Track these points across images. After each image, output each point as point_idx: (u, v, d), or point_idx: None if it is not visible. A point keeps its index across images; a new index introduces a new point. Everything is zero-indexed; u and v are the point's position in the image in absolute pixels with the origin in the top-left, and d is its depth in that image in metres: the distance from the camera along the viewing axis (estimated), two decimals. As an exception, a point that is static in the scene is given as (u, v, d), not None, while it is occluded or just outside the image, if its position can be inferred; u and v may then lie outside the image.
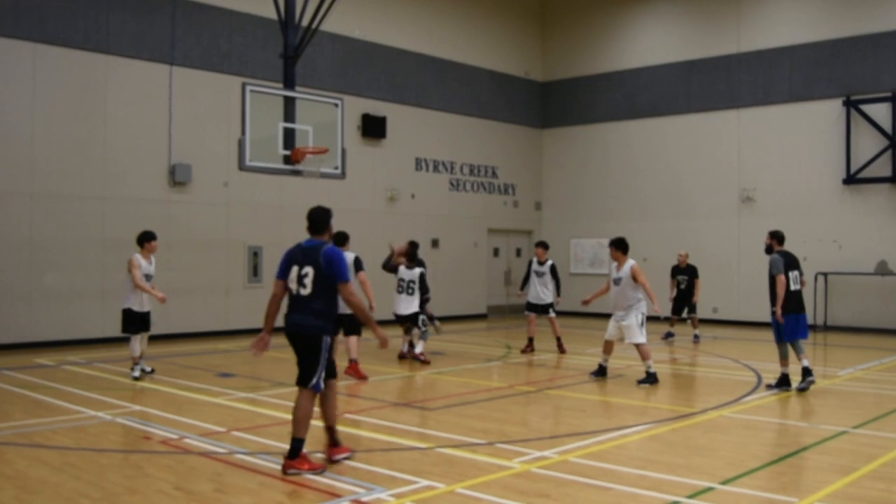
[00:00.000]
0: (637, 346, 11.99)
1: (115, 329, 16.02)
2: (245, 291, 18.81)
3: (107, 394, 10.80)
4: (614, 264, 12.27)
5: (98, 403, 10.10)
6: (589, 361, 14.44)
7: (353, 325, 12.28)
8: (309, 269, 7.20)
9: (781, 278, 11.07)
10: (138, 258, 12.01)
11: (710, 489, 6.51)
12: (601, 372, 12.42)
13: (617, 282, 12.16)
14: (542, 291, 15.42)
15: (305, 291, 7.19)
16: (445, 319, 22.15)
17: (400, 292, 14.08)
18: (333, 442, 7.38)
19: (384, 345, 7.40)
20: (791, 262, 11.36)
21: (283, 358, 14.72)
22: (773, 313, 11.19)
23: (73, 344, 15.98)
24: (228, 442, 8.08)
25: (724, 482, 6.70)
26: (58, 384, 11.59)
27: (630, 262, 12.08)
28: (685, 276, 17.73)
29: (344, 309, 12.48)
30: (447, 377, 12.61)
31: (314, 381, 7.15)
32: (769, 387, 11.44)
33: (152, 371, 12.49)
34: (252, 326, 18.66)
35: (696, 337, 17.67)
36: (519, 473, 6.97)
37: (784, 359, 11.32)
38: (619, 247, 12.24)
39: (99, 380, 12.12)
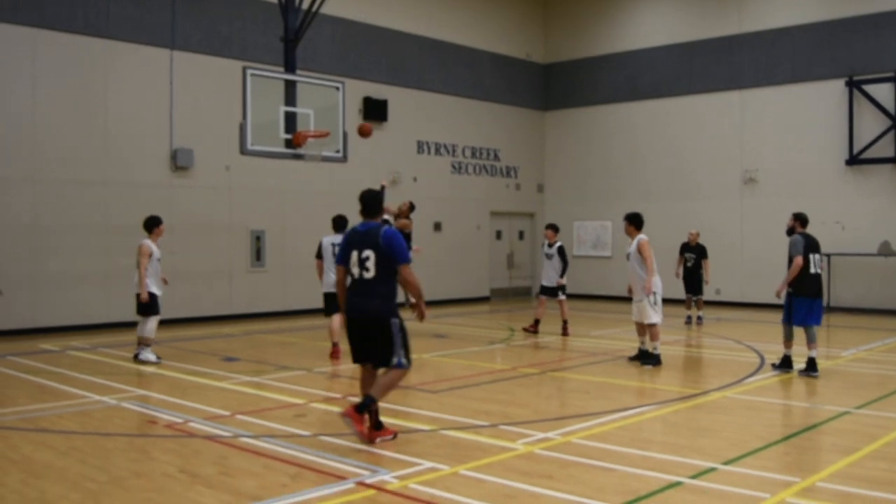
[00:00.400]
0: (648, 325, 11.97)
1: (119, 314, 16.18)
2: (248, 276, 18.84)
3: (111, 378, 10.83)
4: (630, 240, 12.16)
5: (103, 388, 10.14)
6: (593, 344, 14.47)
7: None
8: (370, 253, 7.26)
9: (799, 259, 10.91)
10: (150, 245, 12.06)
11: (713, 469, 6.54)
12: (640, 355, 12.22)
13: (628, 257, 12.11)
14: (552, 274, 15.45)
15: (369, 275, 7.27)
16: (448, 303, 22.22)
17: None
18: (377, 423, 7.44)
19: (422, 319, 7.56)
20: (812, 245, 11.15)
21: (287, 342, 14.78)
22: (789, 294, 11.05)
23: (77, 329, 16.02)
24: (233, 425, 8.11)
25: (727, 462, 6.72)
26: (62, 369, 11.63)
27: (639, 237, 11.97)
28: (693, 255, 17.59)
29: (329, 288, 12.89)
30: (451, 360, 12.64)
31: (396, 359, 7.29)
32: (774, 366, 11.41)
33: (138, 355, 12.36)
34: (255, 311, 18.76)
35: (699, 318, 17.62)
36: (522, 455, 7.00)
37: (788, 340, 11.22)
38: (632, 221, 12.13)
39: (103, 364, 12.16)
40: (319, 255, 13.09)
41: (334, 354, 12.68)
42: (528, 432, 7.76)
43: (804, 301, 10.99)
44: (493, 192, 24.77)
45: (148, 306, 12.07)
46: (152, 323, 12.16)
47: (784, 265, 11.48)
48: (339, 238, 13.09)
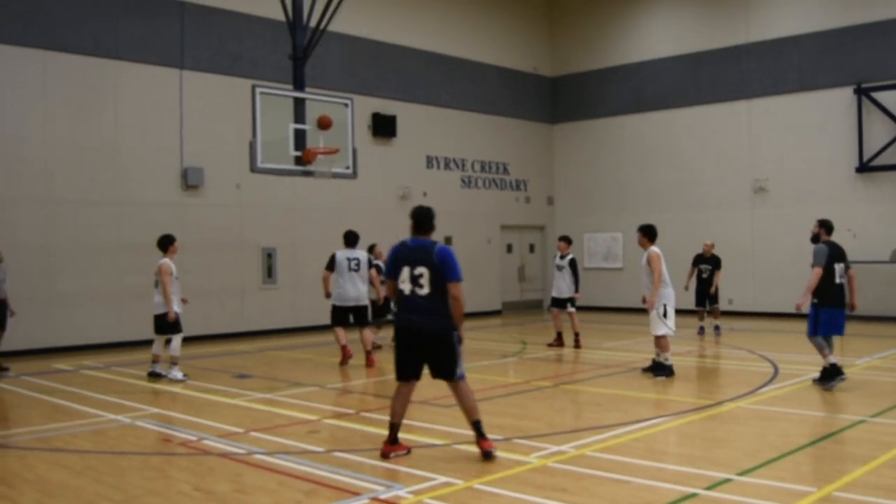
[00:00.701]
0: (657, 337, 11.92)
1: (131, 333, 16.25)
2: (260, 293, 18.89)
3: (125, 397, 10.87)
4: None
5: (116, 407, 10.17)
6: (605, 356, 14.44)
7: (364, 316, 13.74)
8: (423, 270, 7.29)
9: (818, 270, 10.57)
10: (169, 264, 12.14)
11: (728, 480, 6.51)
12: (654, 367, 12.09)
13: (641, 268, 12.08)
14: (563, 286, 15.43)
15: (423, 291, 7.30)
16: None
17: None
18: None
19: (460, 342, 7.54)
20: (837, 254, 10.81)
21: (299, 358, 14.80)
22: (813, 305, 10.65)
23: (90, 348, 16.08)
24: (247, 442, 8.12)
25: (742, 473, 6.69)
26: (76, 388, 11.67)
27: (650, 249, 11.95)
28: (708, 266, 17.42)
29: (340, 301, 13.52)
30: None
31: (459, 371, 7.41)
32: (815, 381, 10.81)
33: (166, 375, 12.43)
34: (267, 327, 18.79)
35: (716, 328, 17.54)
36: (536, 468, 6.98)
37: (822, 349, 10.68)
38: (645, 233, 12.12)
39: (117, 383, 12.20)
40: (330, 268, 13.55)
41: (345, 355, 13.61)
42: (542, 445, 7.75)
43: (827, 311, 10.64)
44: (502, 205, 24.80)
45: (173, 325, 12.16)
46: (177, 341, 12.26)
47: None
48: (353, 252, 13.51)
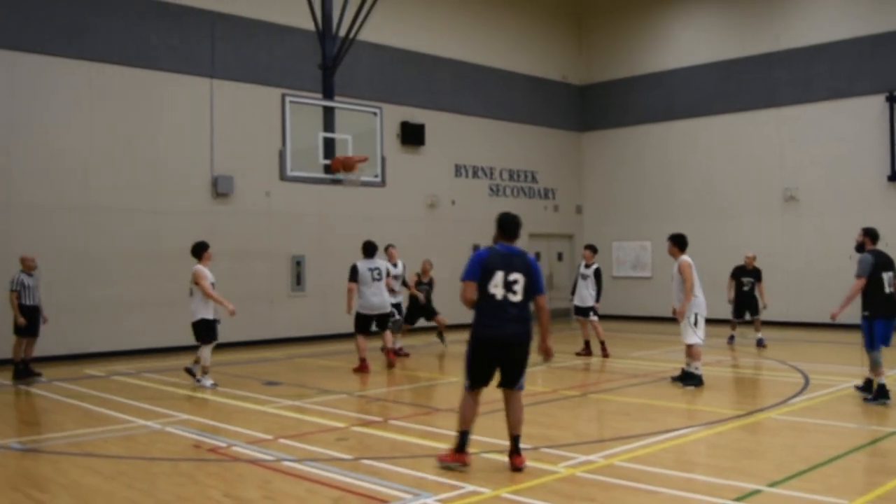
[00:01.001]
0: (687, 346, 11.86)
1: (162, 339, 16.41)
2: (289, 300, 19.00)
3: (156, 403, 10.97)
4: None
5: (147, 413, 10.27)
6: (633, 365, 14.38)
7: (387, 322, 14.31)
8: (519, 276, 7.22)
9: (860, 281, 10.25)
10: (203, 269, 12.20)
11: (757, 492, 6.46)
12: (683, 376, 12.02)
13: (673, 278, 12.00)
14: (586, 294, 15.40)
15: (516, 298, 7.21)
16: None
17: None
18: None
19: (550, 356, 7.59)
20: (884, 263, 10.39)
21: (328, 366, 14.86)
22: (864, 318, 10.32)
23: (122, 354, 16.25)
24: (276, 449, 8.17)
25: (772, 484, 6.65)
26: (108, 394, 11.79)
27: (680, 258, 11.90)
28: (751, 279, 17.03)
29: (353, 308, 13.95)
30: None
31: (522, 381, 7.42)
32: (866, 400, 10.38)
33: (214, 385, 12.35)
34: (296, 335, 18.89)
35: (759, 341, 16.80)
36: (564, 478, 6.97)
37: (879, 366, 10.22)
38: (676, 242, 12.04)
39: (148, 389, 12.31)
40: (354, 279, 13.97)
41: (363, 369, 13.71)
42: (570, 455, 7.74)
43: (881, 322, 10.27)
44: (531, 214, 24.72)
45: (207, 332, 12.23)
46: (207, 351, 12.32)
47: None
48: (374, 263, 14.00)
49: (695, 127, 23.65)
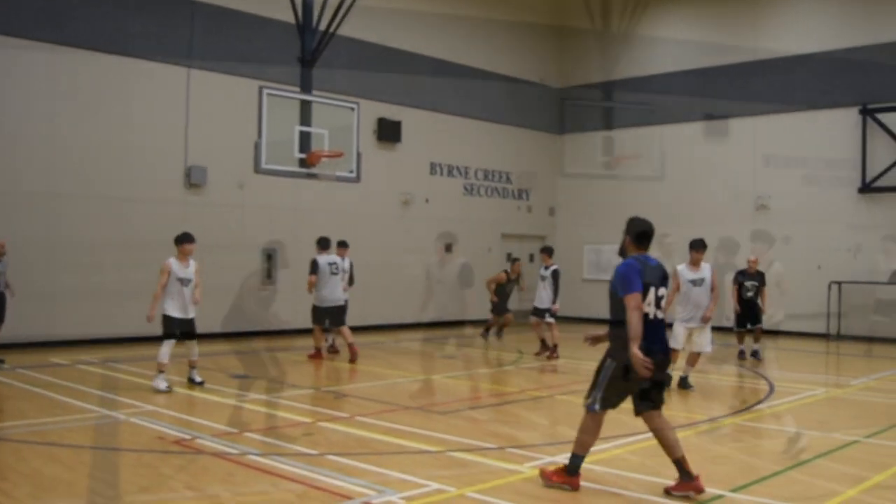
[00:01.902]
0: (700, 354, 11.85)
1: (129, 329, 16.23)
2: (260, 293, 18.89)
3: (121, 393, 10.87)
4: (681, 266, 12.02)
5: (112, 403, 10.19)
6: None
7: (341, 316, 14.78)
8: (665, 291, 6.77)
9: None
10: (170, 263, 11.23)
11: (721, 497, 6.51)
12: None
13: (697, 283, 11.79)
14: (543, 296, 15.56)
15: (662, 315, 6.73)
16: (458, 324, 22.19)
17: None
18: (686, 474, 6.58)
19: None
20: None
21: (297, 360, 14.81)
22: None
23: (88, 343, 16.07)
24: (241, 443, 8.13)
25: (736, 489, 6.69)
26: (72, 383, 11.66)
27: (710, 264, 11.92)
28: (754, 283, 15.77)
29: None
30: (459, 381, 12.63)
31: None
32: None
33: (202, 382, 11.56)
34: (266, 328, 18.78)
35: (755, 353, 15.78)
36: (529, 478, 6.98)
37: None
38: (702, 247, 12.07)
39: (113, 379, 12.21)
40: (314, 272, 14.56)
41: (317, 356, 14.55)
42: (536, 455, 7.75)
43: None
44: (504, 214, 24.80)
45: (164, 327, 11.22)
46: (164, 347, 11.10)
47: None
48: (331, 257, 14.68)
49: (671, 133, 23.75)
